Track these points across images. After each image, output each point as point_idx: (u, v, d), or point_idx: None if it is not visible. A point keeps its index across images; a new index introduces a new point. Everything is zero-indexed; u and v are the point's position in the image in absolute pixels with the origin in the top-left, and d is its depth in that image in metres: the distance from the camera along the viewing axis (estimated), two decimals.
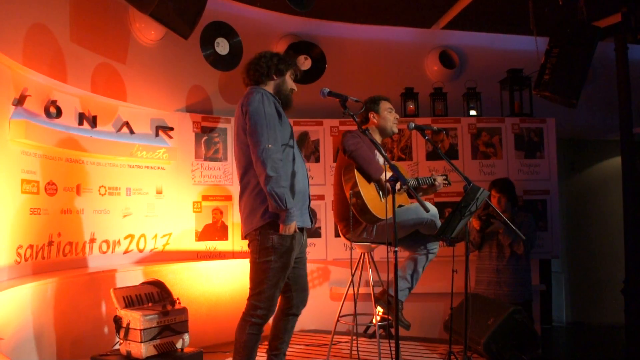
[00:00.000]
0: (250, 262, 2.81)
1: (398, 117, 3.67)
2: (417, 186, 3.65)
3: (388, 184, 2.60)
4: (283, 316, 2.95)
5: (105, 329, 3.57)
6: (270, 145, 2.63)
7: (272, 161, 2.61)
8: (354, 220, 3.35)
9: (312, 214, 4.85)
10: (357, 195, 3.28)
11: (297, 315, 2.99)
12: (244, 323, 2.75)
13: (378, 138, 3.61)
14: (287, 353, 3.93)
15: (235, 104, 4.71)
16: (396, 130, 3.66)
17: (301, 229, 2.84)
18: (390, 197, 3.24)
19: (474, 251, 4.55)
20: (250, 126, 2.69)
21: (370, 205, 3.28)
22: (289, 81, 2.95)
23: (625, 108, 4.20)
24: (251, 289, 2.79)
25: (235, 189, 4.53)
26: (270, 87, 2.91)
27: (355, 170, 3.34)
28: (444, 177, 3.78)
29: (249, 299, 2.78)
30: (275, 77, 2.90)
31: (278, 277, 2.75)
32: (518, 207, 4.57)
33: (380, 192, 3.41)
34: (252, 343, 2.74)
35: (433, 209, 3.39)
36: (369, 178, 3.36)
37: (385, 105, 3.62)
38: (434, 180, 3.70)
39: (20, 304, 3.12)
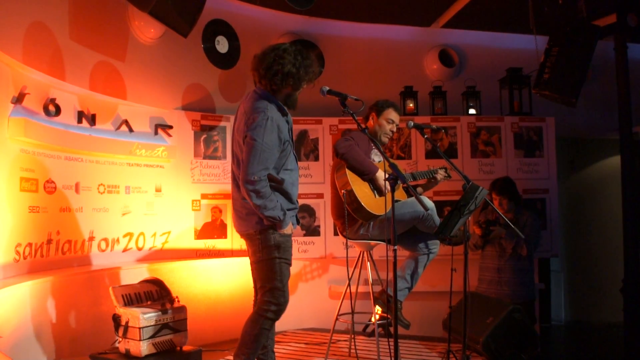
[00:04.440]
0: (253, 261, 2.86)
1: (394, 131, 3.66)
2: (414, 180, 3.66)
3: (388, 183, 2.60)
4: None
5: (104, 327, 3.56)
6: (255, 177, 2.65)
7: (255, 192, 2.66)
8: (349, 218, 3.36)
9: (310, 213, 4.92)
10: (350, 194, 3.30)
11: None
12: (258, 317, 2.79)
13: None
14: (286, 351, 3.95)
15: (235, 102, 4.76)
16: (385, 141, 3.65)
17: None
18: (387, 193, 3.26)
19: (476, 251, 4.53)
20: (245, 153, 2.70)
21: (364, 202, 3.29)
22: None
23: (624, 107, 4.20)
24: (262, 287, 2.84)
25: None
26: (281, 95, 2.84)
27: (346, 168, 3.35)
28: (444, 169, 3.77)
29: (262, 295, 2.83)
30: (287, 90, 2.82)
31: (285, 272, 2.82)
32: (522, 205, 4.51)
33: (375, 190, 3.41)
34: (262, 337, 2.79)
35: (430, 204, 3.39)
36: (362, 177, 3.37)
37: (388, 115, 3.60)
38: (435, 173, 3.70)
39: (19, 302, 3.12)
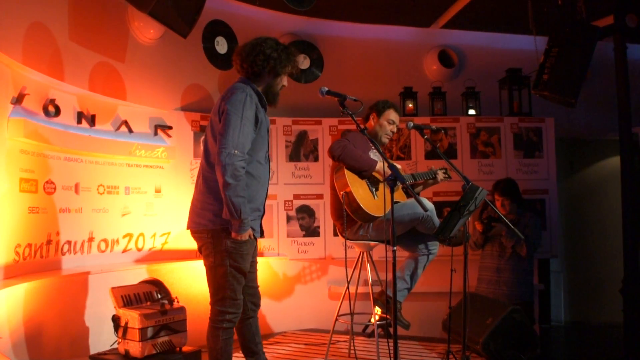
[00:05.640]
0: (205, 265, 2.74)
1: (395, 132, 3.66)
2: (414, 181, 3.66)
3: (387, 184, 2.60)
4: (242, 322, 2.89)
5: (104, 328, 3.56)
6: (236, 152, 2.53)
7: (232, 168, 2.51)
8: (348, 219, 3.36)
9: (309, 213, 4.92)
10: (349, 195, 3.30)
11: (254, 317, 2.93)
12: (215, 331, 2.70)
13: None
14: (285, 352, 3.96)
15: None
16: (385, 142, 3.66)
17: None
18: (385, 193, 3.25)
19: (476, 250, 4.54)
20: (223, 126, 2.58)
21: (363, 204, 3.28)
22: (283, 80, 2.86)
23: (624, 107, 4.20)
24: (212, 294, 2.72)
25: None
26: (261, 84, 2.80)
27: (344, 169, 3.35)
28: (444, 170, 3.78)
29: (212, 305, 2.73)
30: (268, 77, 2.80)
31: (238, 280, 2.70)
32: (524, 207, 4.52)
33: (373, 190, 3.41)
34: (229, 347, 2.71)
35: (430, 205, 3.38)
36: (361, 175, 3.36)
37: (389, 116, 3.60)
38: (435, 174, 3.70)
39: (18, 302, 3.12)
